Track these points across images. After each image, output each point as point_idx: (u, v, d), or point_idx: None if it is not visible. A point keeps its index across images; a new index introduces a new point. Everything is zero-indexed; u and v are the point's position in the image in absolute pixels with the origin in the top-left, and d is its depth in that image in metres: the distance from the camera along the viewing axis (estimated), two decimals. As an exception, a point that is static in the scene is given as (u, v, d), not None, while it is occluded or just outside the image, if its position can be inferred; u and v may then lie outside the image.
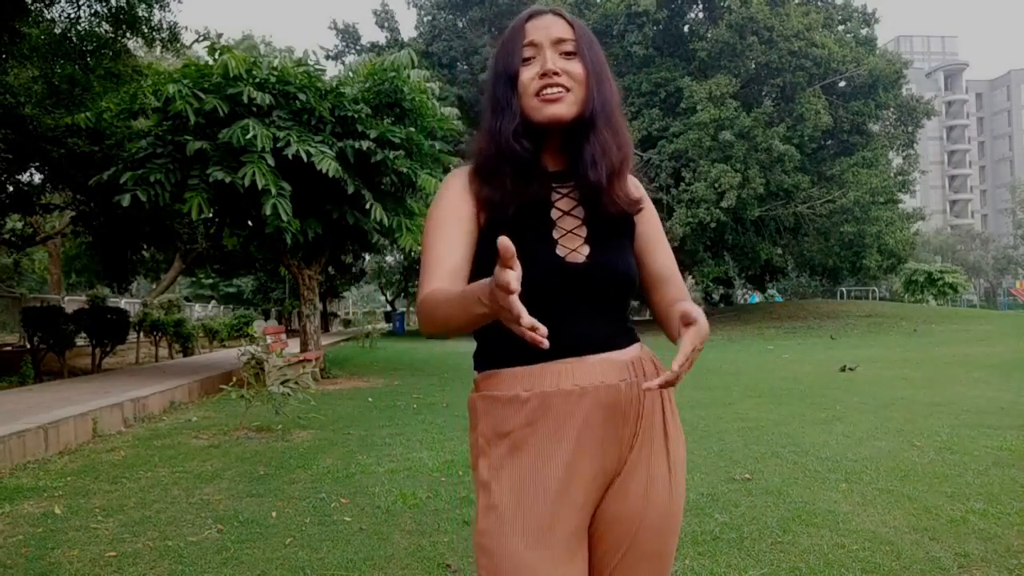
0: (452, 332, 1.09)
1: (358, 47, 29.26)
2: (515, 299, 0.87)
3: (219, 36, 23.01)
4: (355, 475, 4.54)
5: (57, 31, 8.75)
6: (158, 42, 9.19)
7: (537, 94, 1.18)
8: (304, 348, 10.94)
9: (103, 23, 8.68)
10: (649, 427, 1.20)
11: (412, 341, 24.37)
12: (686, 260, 25.79)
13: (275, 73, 8.80)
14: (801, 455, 4.88)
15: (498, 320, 0.99)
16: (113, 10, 8.53)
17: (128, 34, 8.92)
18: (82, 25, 8.67)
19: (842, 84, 25.64)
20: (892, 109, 26.97)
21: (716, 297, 42.80)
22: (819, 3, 27.04)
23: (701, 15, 28.03)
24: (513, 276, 0.86)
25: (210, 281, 29.36)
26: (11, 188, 10.49)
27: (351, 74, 11.04)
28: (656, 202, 24.65)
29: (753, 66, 24.76)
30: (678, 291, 1.28)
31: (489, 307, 0.93)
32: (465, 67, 27.06)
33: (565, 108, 1.18)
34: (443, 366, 12.85)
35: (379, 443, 5.56)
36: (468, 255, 1.19)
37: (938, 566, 2.87)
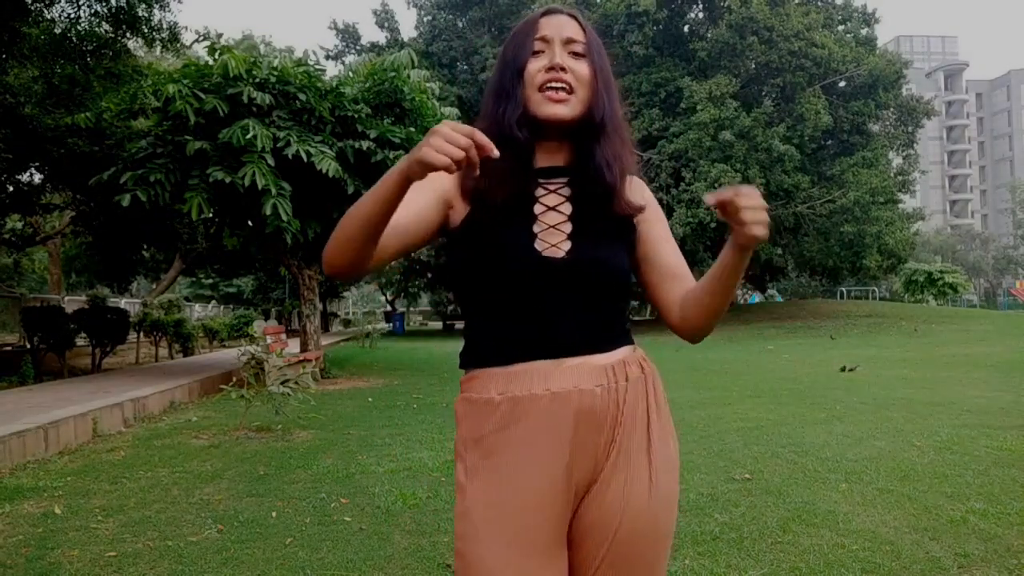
0: (352, 239, 1.07)
1: (358, 47, 29.27)
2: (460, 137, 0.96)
3: (219, 36, 23.02)
4: (355, 475, 4.54)
5: (57, 31, 8.76)
6: (158, 42, 9.19)
7: (541, 88, 1.18)
8: (304, 348, 10.95)
9: (103, 23, 8.68)
10: (628, 433, 1.16)
11: (412, 341, 24.38)
12: (686, 260, 25.78)
13: (275, 73, 8.80)
14: (801, 455, 4.88)
15: (481, 317, 1.15)
16: (113, 10, 8.53)
17: (128, 34, 8.92)
18: (82, 25, 8.68)
19: (842, 84, 25.65)
20: (892, 109, 26.99)
21: (716, 297, 42.74)
22: (819, 3, 27.05)
23: (701, 15, 28.04)
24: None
25: (210, 281, 29.36)
26: (11, 188, 10.50)
27: (351, 74, 11.04)
28: (656, 202, 24.95)
29: (753, 66, 24.77)
30: (693, 283, 1.28)
31: (407, 162, 0.98)
32: (465, 67, 27.06)
33: (567, 109, 1.18)
34: (443, 366, 12.85)
35: (379, 443, 5.56)
36: (422, 217, 1.18)
37: (938, 566, 2.87)
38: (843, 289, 42.97)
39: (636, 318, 37.05)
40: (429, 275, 32.28)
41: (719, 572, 2.85)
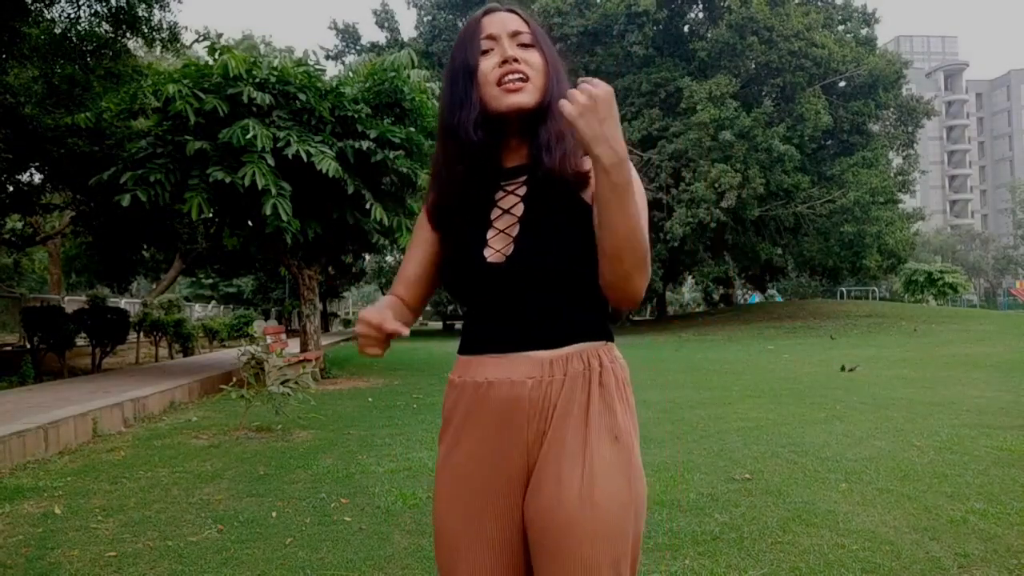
0: None
1: (358, 47, 29.28)
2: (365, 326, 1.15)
3: (219, 36, 23.00)
4: (355, 475, 4.54)
5: (57, 31, 8.75)
6: (158, 42, 9.19)
7: (499, 83, 1.20)
8: (304, 348, 10.95)
9: (103, 23, 8.68)
10: (561, 427, 1.17)
11: (412, 341, 24.39)
12: (686, 260, 25.82)
13: (275, 73, 8.80)
14: (801, 455, 4.88)
15: (463, 301, 1.28)
16: (113, 10, 8.53)
17: (128, 34, 8.92)
18: (82, 25, 8.67)
19: (842, 84, 25.66)
20: (892, 109, 27.00)
21: (716, 297, 42.82)
22: (819, 3, 27.06)
23: (701, 15, 28.04)
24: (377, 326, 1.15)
25: (210, 281, 29.36)
26: (11, 188, 10.49)
27: (351, 74, 11.04)
28: (656, 202, 24.52)
29: (753, 66, 24.78)
30: None
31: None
32: (465, 67, 27.03)
33: (527, 97, 1.20)
34: (443, 366, 12.85)
35: (379, 443, 5.56)
36: (426, 266, 1.33)
37: (938, 566, 2.87)
38: (843, 289, 42.97)
39: (636, 318, 37.05)
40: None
41: (719, 572, 2.85)
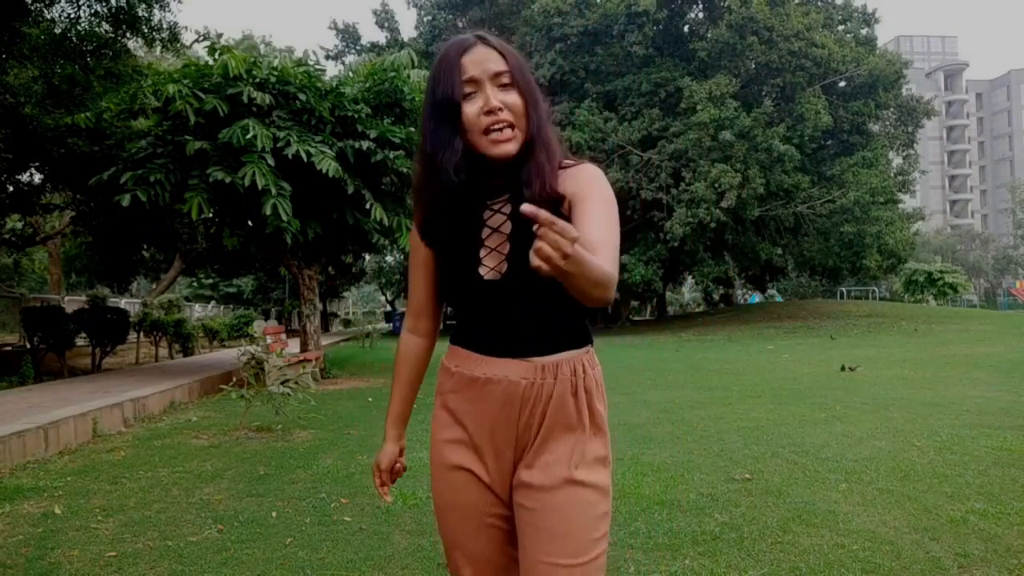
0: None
1: (358, 47, 29.29)
2: (376, 482, 1.56)
3: (219, 36, 23.02)
4: (355, 475, 4.54)
5: (57, 31, 8.75)
6: (158, 42, 9.19)
7: (486, 132, 1.27)
8: (304, 348, 10.94)
9: (103, 23, 8.68)
10: (553, 420, 1.33)
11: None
12: (686, 260, 25.81)
13: (275, 73, 8.80)
14: (801, 455, 4.88)
15: (459, 309, 1.41)
16: (113, 10, 8.53)
17: (128, 34, 8.92)
18: (82, 25, 8.67)
19: (842, 84, 25.65)
20: (892, 109, 26.99)
21: (716, 297, 42.81)
22: (819, 3, 27.06)
23: (701, 15, 28.04)
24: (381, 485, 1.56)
25: (210, 281, 29.36)
26: (11, 188, 10.49)
27: (351, 74, 11.04)
28: (656, 202, 24.53)
29: (753, 66, 24.77)
30: (600, 259, 1.19)
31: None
32: (465, 67, 27.03)
33: (514, 146, 1.28)
34: (443, 366, 12.84)
35: (379, 443, 5.53)
36: (430, 290, 1.48)
37: (938, 566, 2.87)
38: (843, 289, 42.97)
39: (636, 318, 37.07)
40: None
41: (719, 572, 2.85)
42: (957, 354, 12.72)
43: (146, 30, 8.91)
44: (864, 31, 27.25)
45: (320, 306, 18.78)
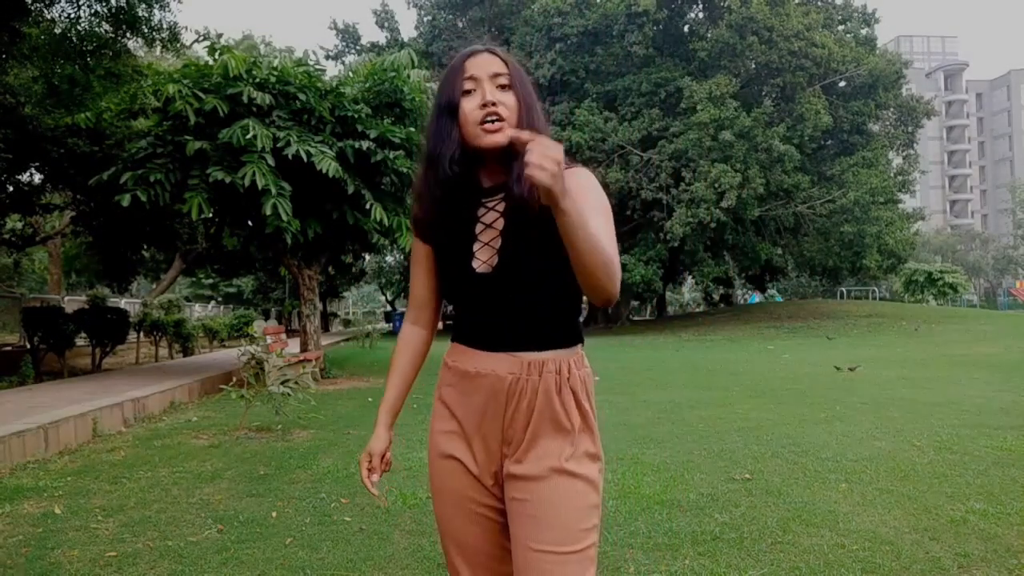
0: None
1: (358, 47, 29.28)
2: (364, 471, 1.53)
3: (219, 36, 22.97)
4: (355, 475, 4.53)
5: (57, 31, 8.73)
6: (158, 42, 9.16)
7: (480, 123, 1.34)
8: (304, 348, 10.94)
9: (103, 23, 8.65)
10: (541, 414, 1.36)
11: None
12: (686, 260, 25.82)
13: (275, 73, 8.80)
14: (801, 455, 4.88)
15: (456, 304, 1.46)
16: (113, 10, 8.51)
17: (128, 34, 8.89)
18: (82, 25, 8.65)
19: (842, 84, 25.65)
20: (892, 109, 26.99)
21: (716, 297, 42.83)
22: (819, 3, 27.05)
23: (701, 15, 28.04)
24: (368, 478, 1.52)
25: (210, 281, 29.34)
26: (11, 188, 10.48)
27: (351, 74, 11.04)
28: (656, 202, 24.52)
29: (753, 66, 24.77)
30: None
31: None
32: (465, 67, 27.01)
33: (503, 137, 1.34)
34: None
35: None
36: (431, 285, 1.53)
37: (938, 566, 2.87)
38: (843, 289, 42.97)
39: (636, 318, 37.06)
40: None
41: (719, 572, 2.85)
42: (957, 354, 12.72)
43: (146, 30, 8.88)
44: (864, 31, 27.26)
45: (320, 306, 18.77)
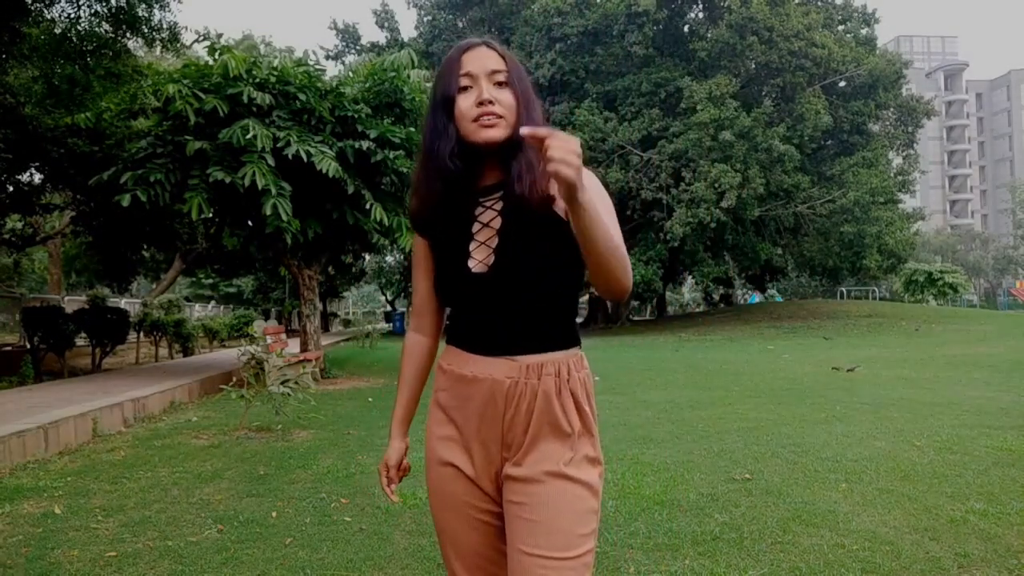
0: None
1: (358, 47, 29.27)
2: (383, 481, 1.60)
3: (219, 36, 22.97)
4: (355, 475, 4.54)
5: (57, 31, 8.73)
6: (158, 42, 9.17)
7: (476, 120, 1.32)
8: (304, 348, 10.94)
9: (103, 23, 8.65)
10: (540, 424, 1.35)
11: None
12: (686, 260, 25.80)
13: (275, 73, 8.80)
14: (801, 455, 4.88)
15: (451, 305, 1.45)
16: (113, 10, 8.51)
17: (128, 34, 8.89)
18: (82, 25, 8.65)
19: (842, 84, 25.65)
20: (892, 109, 26.99)
21: (716, 297, 42.83)
22: (819, 3, 27.05)
23: (701, 15, 28.04)
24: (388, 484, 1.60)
25: (210, 281, 29.33)
26: (11, 188, 10.48)
27: (351, 74, 11.03)
28: (656, 202, 24.50)
29: (753, 66, 24.77)
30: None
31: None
32: (465, 67, 27.02)
33: (498, 132, 1.32)
34: (443, 366, 12.82)
35: (379, 443, 5.56)
36: (431, 286, 1.49)
37: (938, 566, 2.87)
38: (843, 289, 42.97)
39: (636, 318, 37.06)
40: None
41: (719, 572, 2.85)
42: (957, 354, 12.72)
43: (146, 30, 8.88)
44: (864, 31, 27.25)
45: (320, 306, 18.77)
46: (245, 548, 3.22)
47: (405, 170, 9.14)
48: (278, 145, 8.17)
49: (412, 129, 9.40)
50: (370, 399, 8.37)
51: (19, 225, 14.24)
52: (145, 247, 13.18)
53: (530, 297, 1.33)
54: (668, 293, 40.75)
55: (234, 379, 7.55)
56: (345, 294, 41.63)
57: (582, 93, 25.09)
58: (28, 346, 10.17)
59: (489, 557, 1.42)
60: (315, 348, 10.95)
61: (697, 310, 45.21)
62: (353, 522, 3.57)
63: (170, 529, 3.50)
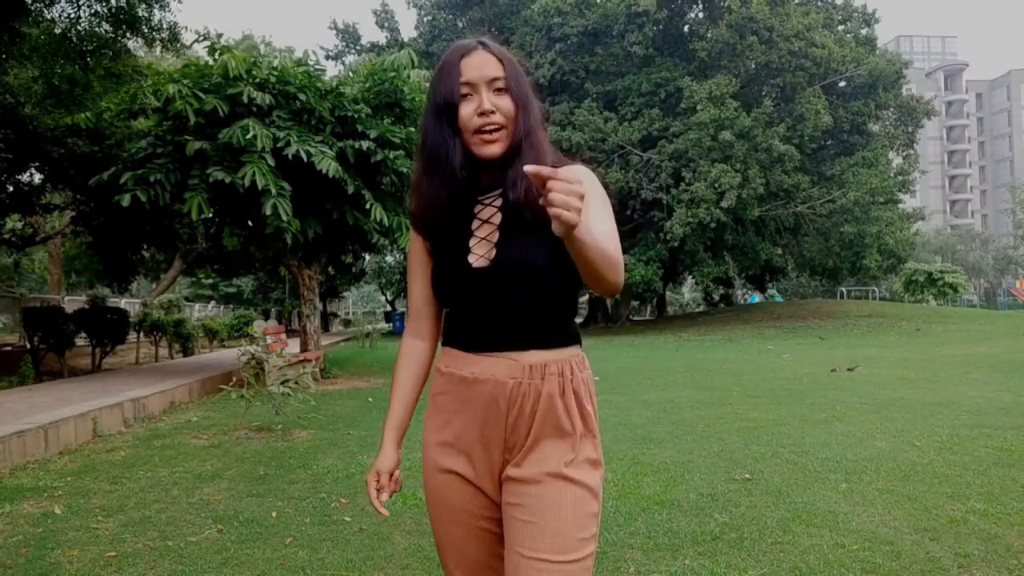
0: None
1: (358, 47, 29.26)
2: (372, 492, 1.50)
3: (219, 36, 22.97)
4: (355, 475, 4.54)
5: (57, 31, 8.74)
6: (158, 42, 9.17)
7: (478, 131, 1.33)
8: (304, 348, 10.94)
9: (103, 23, 8.66)
10: (544, 420, 1.33)
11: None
12: (686, 260, 25.80)
13: (275, 73, 8.80)
14: (801, 455, 4.88)
15: (450, 304, 1.42)
16: (113, 10, 8.51)
17: (128, 34, 8.90)
18: (82, 25, 8.65)
19: (842, 84, 25.64)
20: (892, 109, 26.99)
21: (716, 297, 42.82)
22: (819, 3, 27.04)
23: (701, 15, 28.03)
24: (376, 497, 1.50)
25: (210, 281, 29.34)
26: (11, 188, 10.48)
27: (351, 74, 11.04)
28: (656, 202, 24.49)
29: (753, 66, 24.76)
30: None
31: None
32: (465, 67, 27.01)
33: (500, 148, 1.34)
34: (443, 366, 12.82)
35: (379, 443, 5.54)
36: (428, 290, 1.47)
37: (938, 566, 2.87)
38: (843, 289, 42.96)
39: (636, 318, 37.05)
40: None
41: (719, 572, 2.85)
42: (957, 354, 12.72)
43: (146, 30, 8.89)
44: (864, 31, 27.25)
45: (320, 306, 18.78)
46: (245, 548, 3.22)
47: (405, 170, 9.14)
48: (278, 145, 8.17)
49: (412, 129, 9.40)
50: (370, 399, 8.37)
51: (19, 225, 14.25)
52: (145, 247, 13.17)
53: (531, 292, 1.32)
54: (668, 293, 40.74)
55: (234, 379, 7.55)
56: (345, 294, 41.65)
57: (582, 93, 25.09)
58: (28, 346, 10.17)
59: (491, 565, 1.40)
60: (315, 348, 10.95)
61: (697, 310, 45.21)
62: (353, 522, 3.57)
63: (170, 529, 3.50)
